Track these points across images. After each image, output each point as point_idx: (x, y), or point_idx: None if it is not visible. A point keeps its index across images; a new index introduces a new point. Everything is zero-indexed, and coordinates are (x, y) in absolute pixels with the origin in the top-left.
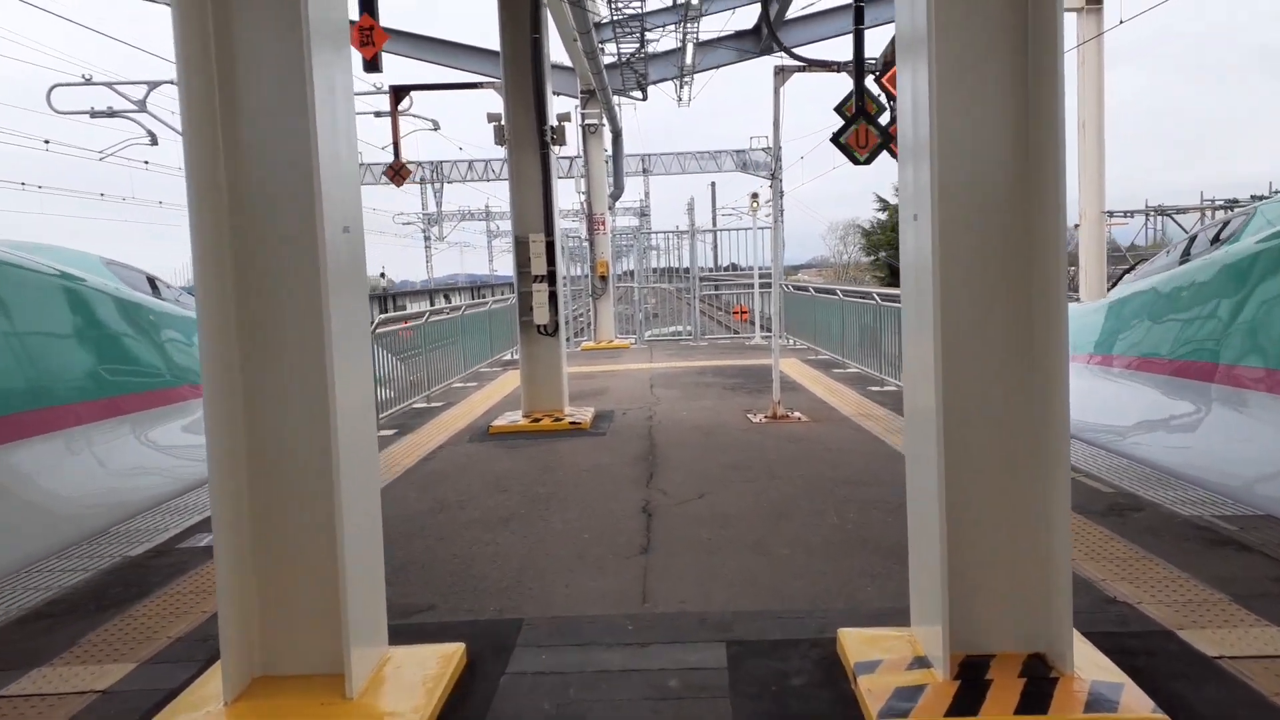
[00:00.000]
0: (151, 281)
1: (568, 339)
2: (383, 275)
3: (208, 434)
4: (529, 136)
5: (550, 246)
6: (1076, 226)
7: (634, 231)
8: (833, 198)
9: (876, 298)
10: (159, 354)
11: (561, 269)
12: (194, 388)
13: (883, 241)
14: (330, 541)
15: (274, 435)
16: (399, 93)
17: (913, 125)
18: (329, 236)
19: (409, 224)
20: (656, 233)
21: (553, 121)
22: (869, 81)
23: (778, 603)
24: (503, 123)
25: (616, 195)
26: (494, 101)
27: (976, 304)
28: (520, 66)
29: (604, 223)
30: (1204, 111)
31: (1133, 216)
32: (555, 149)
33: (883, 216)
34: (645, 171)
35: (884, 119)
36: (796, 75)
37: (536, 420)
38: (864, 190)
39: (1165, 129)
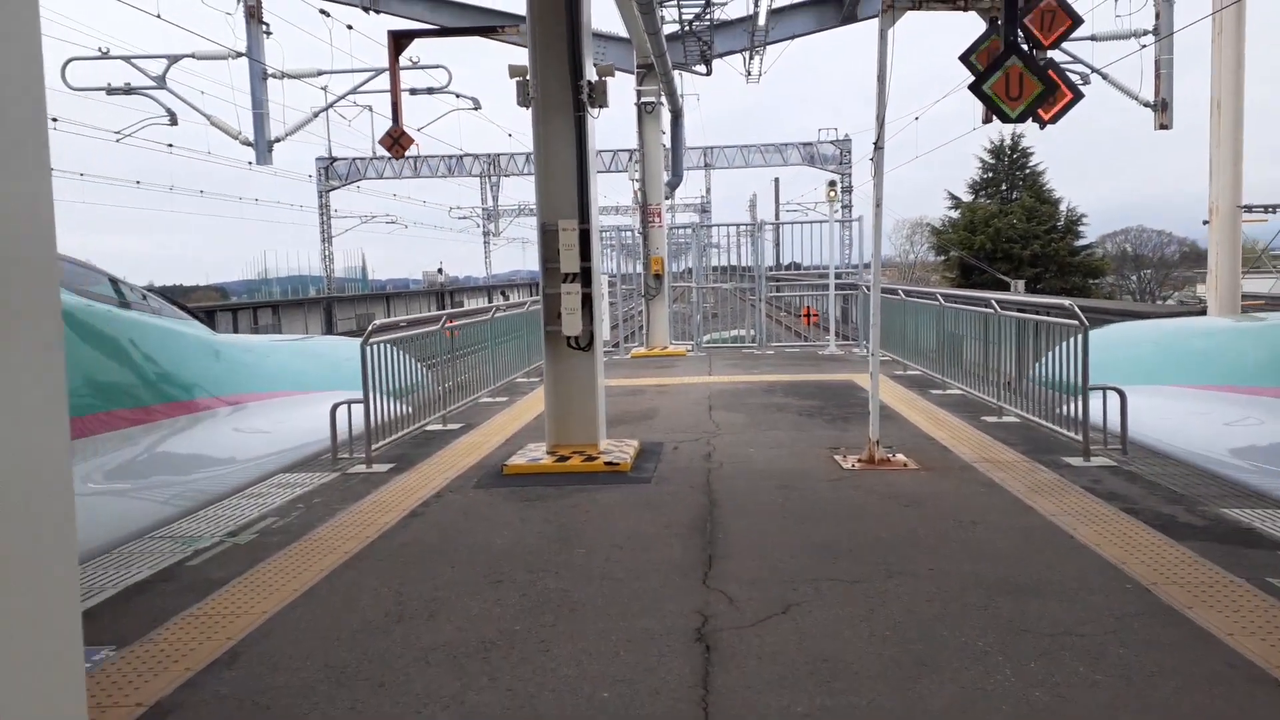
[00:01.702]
0: (115, 283)
1: (615, 345)
2: (440, 271)
3: None
4: (560, 96)
5: (586, 236)
6: (1206, 223)
7: (693, 227)
8: (902, 195)
9: (995, 305)
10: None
11: (604, 264)
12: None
13: (955, 240)
14: None
15: None
16: (399, 41)
17: None
18: None
19: (465, 218)
20: (718, 225)
21: (590, 76)
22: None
23: None
24: (527, 78)
25: (675, 184)
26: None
27: None
28: (550, 3)
29: (660, 214)
30: None
31: (1275, 212)
32: (593, 112)
33: (955, 215)
34: (707, 165)
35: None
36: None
37: (563, 459)
38: (933, 186)
39: None
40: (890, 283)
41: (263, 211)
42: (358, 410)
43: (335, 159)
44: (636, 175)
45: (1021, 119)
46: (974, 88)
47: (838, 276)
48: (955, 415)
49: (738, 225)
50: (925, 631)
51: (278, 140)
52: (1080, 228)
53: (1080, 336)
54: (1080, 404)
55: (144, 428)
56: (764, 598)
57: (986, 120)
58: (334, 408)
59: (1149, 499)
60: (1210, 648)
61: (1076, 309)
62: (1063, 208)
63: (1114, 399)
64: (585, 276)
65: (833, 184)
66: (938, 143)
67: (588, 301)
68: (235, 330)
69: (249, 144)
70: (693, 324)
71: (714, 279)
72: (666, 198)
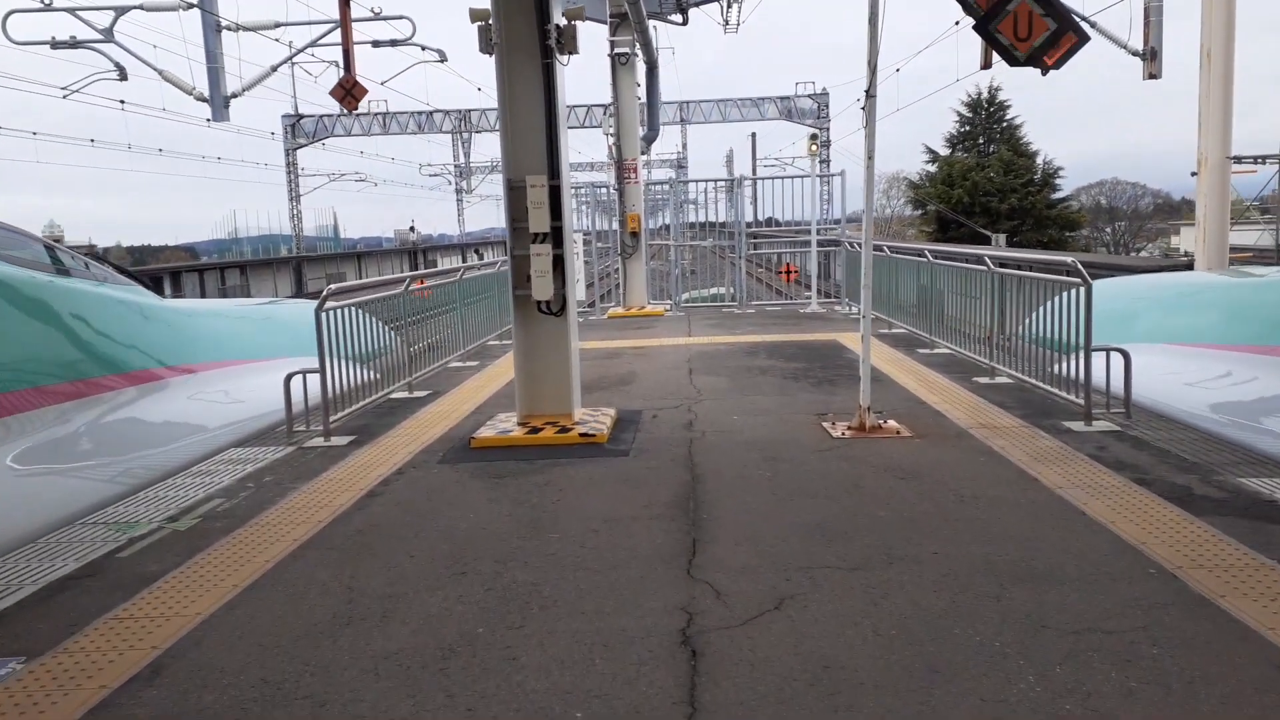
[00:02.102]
0: (50, 249)
1: (591, 304)
2: (412, 229)
3: None
4: (526, 41)
5: (556, 193)
6: (1194, 174)
7: (670, 183)
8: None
9: (989, 261)
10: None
11: (578, 222)
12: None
13: (932, 194)
14: None
15: None
16: None
17: None
18: None
19: (435, 175)
20: (696, 181)
21: (559, 20)
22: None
23: None
24: (489, 22)
25: (651, 139)
26: None
27: None
28: None
29: (636, 170)
30: None
31: (1264, 163)
32: (562, 58)
33: (932, 168)
34: (683, 121)
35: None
36: None
37: (535, 430)
38: (910, 141)
39: None
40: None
41: (226, 170)
42: (315, 380)
43: (302, 116)
44: (611, 130)
45: (1030, 62)
46: (979, 29)
47: (818, 233)
48: (946, 376)
49: (716, 180)
50: (935, 629)
51: (234, 96)
52: (1057, 180)
53: (1083, 293)
54: (1081, 365)
55: (80, 402)
56: (754, 590)
57: (985, 65)
58: (288, 377)
59: (1160, 468)
60: (1252, 646)
61: (1080, 266)
62: (1040, 160)
63: (1116, 360)
64: (556, 236)
65: (814, 137)
66: (918, 95)
67: (559, 263)
68: (202, 292)
69: (204, 100)
70: (671, 282)
71: (692, 236)
72: (643, 153)
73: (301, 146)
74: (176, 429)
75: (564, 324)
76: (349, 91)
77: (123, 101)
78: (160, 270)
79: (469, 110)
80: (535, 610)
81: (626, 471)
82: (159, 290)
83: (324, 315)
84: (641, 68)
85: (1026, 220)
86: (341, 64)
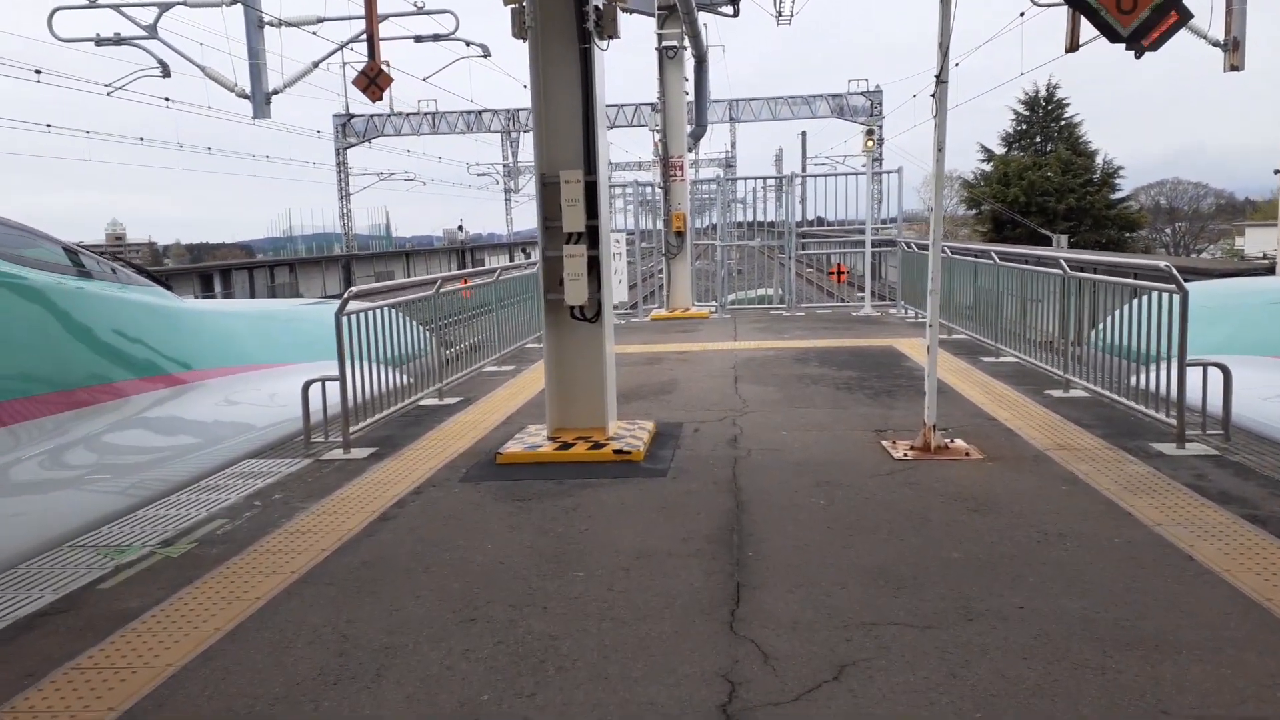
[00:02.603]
0: (72, 253)
1: (634, 306)
2: (460, 228)
3: None
4: (562, 24)
5: (592, 190)
6: (1278, 172)
7: (718, 180)
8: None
9: (1064, 264)
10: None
11: (621, 220)
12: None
13: (987, 194)
14: None
15: None
16: None
17: None
18: None
19: (484, 174)
20: (745, 178)
21: (599, 2)
22: None
23: None
24: (523, 3)
25: (699, 135)
26: None
27: None
28: None
29: (682, 167)
30: None
31: None
32: (601, 43)
33: (987, 168)
34: (732, 120)
35: None
36: None
37: (566, 446)
38: (962, 140)
39: None
40: (922, 238)
41: (273, 169)
42: (337, 387)
43: (353, 115)
44: (657, 126)
45: (1135, 38)
46: (1075, 2)
47: (872, 232)
48: (1015, 389)
49: (765, 178)
50: (1028, 712)
51: (275, 93)
52: (1117, 180)
53: (1177, 301)
54: (1168, 378)
55: (85, 410)
56: (809, 653)
57: (1071, 48)
58: (306, 385)
59: (1273, 502)
60: None
61: (1174, 271)
62: (1099, 159)
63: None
64: (592, 236)
65: (870, 131)
66: (977, 92)
67: (595, 265)
68: (252, 290)
69: (245, 96)
70: (716, 283)
71: (739, 236)
72: (690, 149)
73: (351, 146)
74: (188, 440)
75: (599, 331)
76: (373, 80)
77: (168, 99)
78: (210, 268)
79: (517, 110)
80: (551, 672)
81: (663, 495)
82: (208, 287)
83: (345, 320)
84: (690, 61)
85: (1084, 220)
86: (366, 51)
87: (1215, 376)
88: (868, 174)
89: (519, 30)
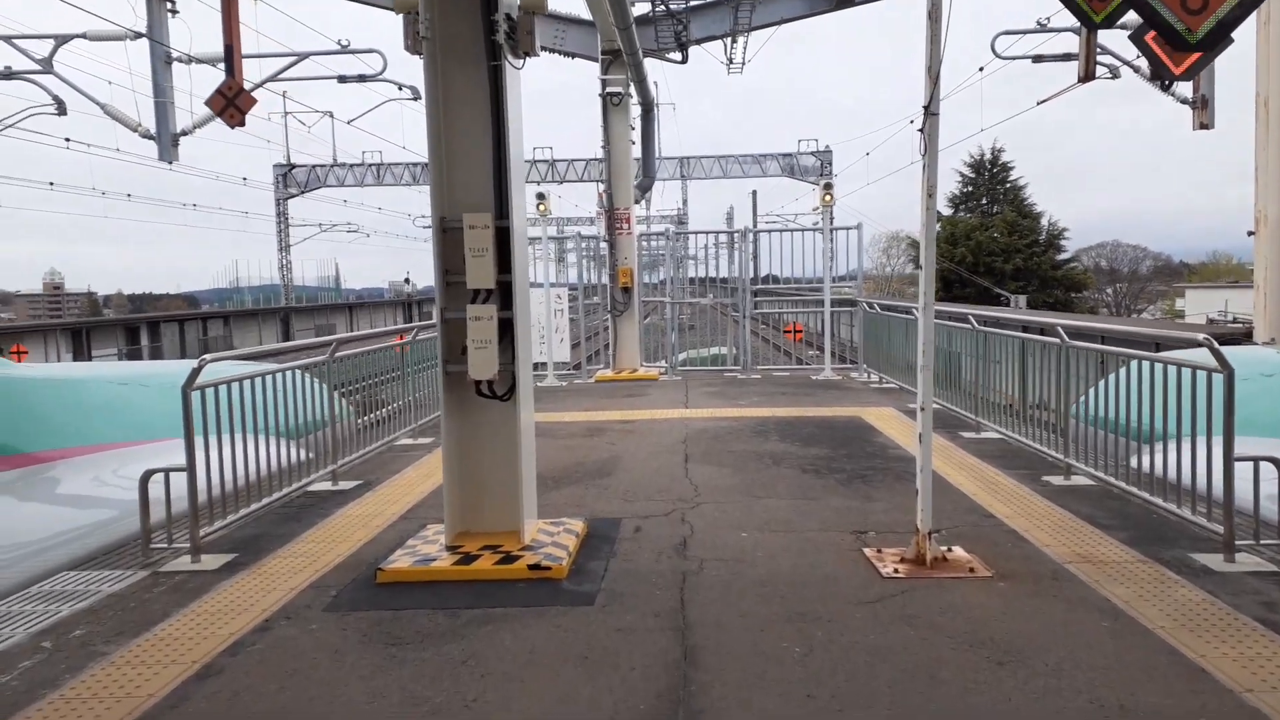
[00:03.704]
0: None
1: (577, 366)
2: (407, 281)
3: None
4: (467, 37)
5: (505, 237)
6: (1251, 234)
7: (668, 234)
8: (879, 208)
9: (1063, 334)
10: None
11: (563, 274)
12: None
13: (936, 254)
14: None
15: None
16: None
17: None
18: None
19: (428, 226)
20: (697, 232)
21: (512, 9)
22: None
23: None
24: (419, 11)
25: (646, 186)
26: None
27: None
28: None
29: (629, 220)
30: None
31: None
32: (515, 60)
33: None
34: (683, 176)
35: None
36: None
37: (468, 559)
38: (910, 200)
39: None
40: (877, 297)
41: (202, 218)
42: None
43: (294, 166)
44: (602, 176)
45: (1207, 45)
46: (1133, 3)
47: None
48: (1007, 474)
49: (719, 233)
50: None
51: (184, 133)
52: (1062, 241)
53: (1222, 383)
54: (1207, 473)
55: None
56: None
57: (1085, 77)
58: (145, 476)
59: None
60: None
61: (1214, 345)
62: (1044, 221)
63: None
64: (504, 294)
65: (828, 186)
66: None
67: (507, 330)
68: (182, 344)
69: (150, 137)
70: (667, 342)
71: (691, 293)
72: (637, 201)
73: (293, 196)
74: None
75: (513, 412)
76: (231, 101)
77: (68, 140)
78: (137, 320)
79: None
80: None
81: (588, 637)
82: (134, 341)
83: (195, 396)
84: (636, 109)
85: (1032, 281)
86: (224, 66)
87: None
88: (825, 229)
89: (413, 43)
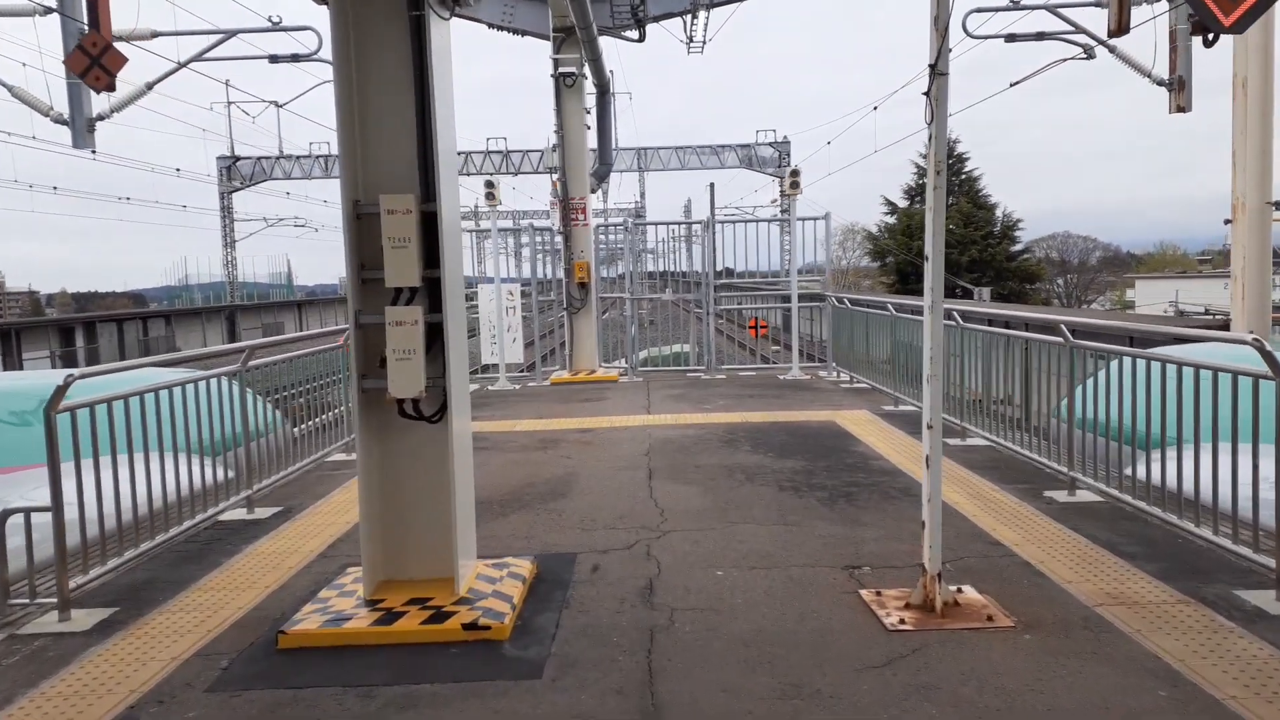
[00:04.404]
0: None
1: (530, 367)
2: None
3: None
4: None
5: (432, 224)
6: (1228, 222)
7: (626, 225)
8: (834, 200)
9: (1066, 332)
10: None
11: (516, 269)
12: None
13: (891, 246)
14: None
15: None
16: None
17: None
18: None
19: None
20: (657, 224)
21: None
22: None
23: None
24: None
25: (603, 174)
26: None
27: None
28: None
29: (585, 211)
30: None
31: None
32: (442, 11)
33: (891, 220)
34: (641, 169)
35: None
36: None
37: (389, 616)
38: (867, 192)
39: None
40: (840, 291)
41: (132, 212)
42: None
43: (239, 158)
44: (555, 165)
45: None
46: None
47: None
48: (1005, 490)
49: (681, 223)
50: None
51: (100, 118)
52: (1016, 233)
53: (1275, 391)
54: (1243, 490)
55: None
56: None
57: (1117, 30)
58: (2, 517)
59: None
60: None
61: (1265, 346)
62: (999, 213)
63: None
64: (432, 294)
65: (795, 173)
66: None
67: (437, 337)
68: (121, 346)
69: (63, 122)
70: (627, 341)
71: (650, 287)
72: (594, 190)
73: (237, 190)
74: None
75: (443, 436)
76: (96, 60)
77: None
78: (72, 320)
79: None
80: None
81: None
82: (69, 343)
83: (60, 419)
84: (592, 91)
85: (986, 272)
86: (87, 15)
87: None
88: (792, 219)
89: None
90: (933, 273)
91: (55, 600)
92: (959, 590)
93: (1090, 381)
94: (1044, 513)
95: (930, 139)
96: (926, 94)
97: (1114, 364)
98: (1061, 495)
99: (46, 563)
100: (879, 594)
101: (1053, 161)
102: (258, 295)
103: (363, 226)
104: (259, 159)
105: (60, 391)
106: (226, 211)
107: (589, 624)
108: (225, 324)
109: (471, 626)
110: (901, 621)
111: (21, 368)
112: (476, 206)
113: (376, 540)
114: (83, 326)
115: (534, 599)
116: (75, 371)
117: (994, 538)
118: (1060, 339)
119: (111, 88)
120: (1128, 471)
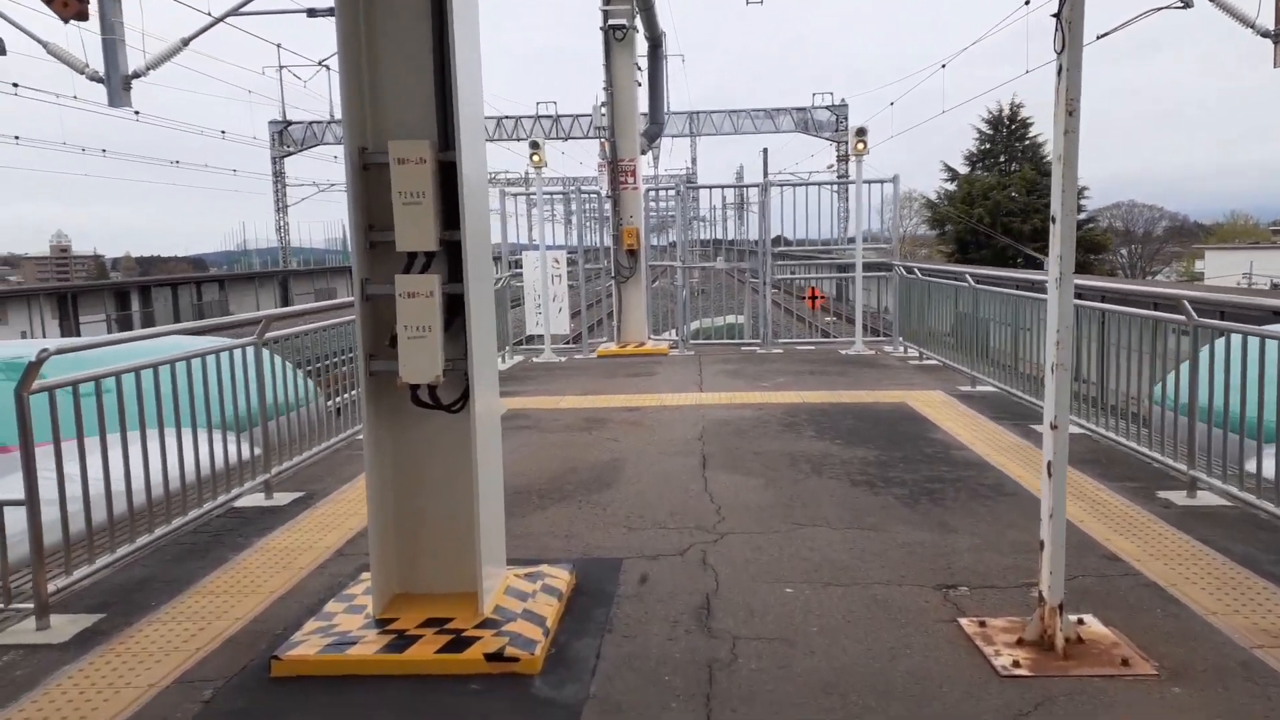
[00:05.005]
0: None
1: (576, 338)
2: None
3: None
4: None
5: (451, 176)
6: None
7: (678, 187)
8: (891, 167)
9: (1189, 308)
10: None
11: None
12: None
13: (952, 214)
14: None
15: None
16: None
17: None
18: None
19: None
20: (711, 187)
21: None
22: None
23: None
24: None
25: (654, 134)
26: None
27: None
28: None
29: (635, 174)
30: None
31: None
32: None
33: (951, 187)
34: (692, 133)
35: None
36: None
37: (401, 640)
38: (924, 160)
39: None
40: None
41: (180, 175)
42: (67, 510)
43: (290, 122)
44: (603, 125)
45: None
46: None
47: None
48: (1112, 489)
49: (736, 187)
50: None
51: (136, 75)
52: (1082, 201)
53: None
54: None
55: None
56: None
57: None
58: None
59: None
60: None
61: None
62: None
63: None
64: (452, 260)
65: (862, 131)
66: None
67: (458, 310)
68: (176, 310)
69: (98, 79)
70: (677, 311)
71: (702, 255)
72: (644, 152)
73: (289, 154)
74: None
75: (465, 429)
76: None
77: (16, 85)
78: (127, 284)
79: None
80: None
81: None
82: (125, 306)
83: (29, 401)
84: (643, 45)
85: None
86: None
87: None
88: (858, 181)
89: None
90: (1061, 238)
91: (33, 606)
92: (1079, 622)
93: (1200, 361)
94: (1160, 517)
95: (1060, 71)
96: (1057, 15)
97: (1219, 342)
98: (1179, 497)
99: (26, 560)
100: (983, 624)
101: (1118, 127)
102: (313, 260)
103: (370, 178)
104: (310, 124)
105: (33, 368)
106: (279, 177)
107: (635, 654)
108: (278, 289)
109: (496, 657)
110: (1015, 664)
111: (78, 332)
112: (527, 173)
113: (388, 549)
114: (138, 290)
115: (571, 618)
116: (50, 345)
117: (1109, 550)
118: (1183, 316)
119: (83, 16)
120: (1248, 468)
